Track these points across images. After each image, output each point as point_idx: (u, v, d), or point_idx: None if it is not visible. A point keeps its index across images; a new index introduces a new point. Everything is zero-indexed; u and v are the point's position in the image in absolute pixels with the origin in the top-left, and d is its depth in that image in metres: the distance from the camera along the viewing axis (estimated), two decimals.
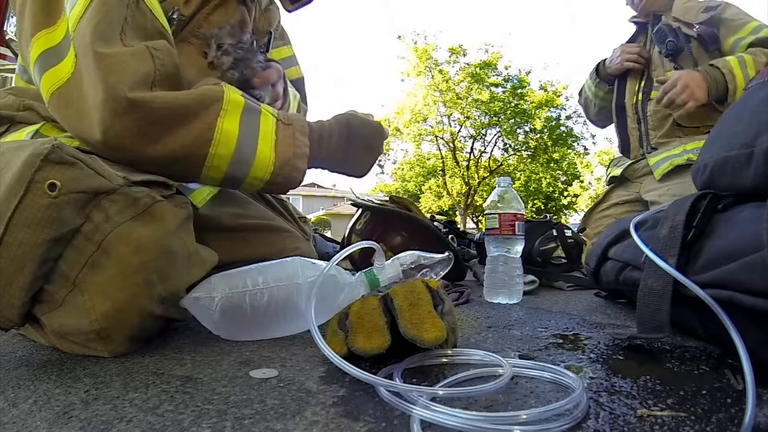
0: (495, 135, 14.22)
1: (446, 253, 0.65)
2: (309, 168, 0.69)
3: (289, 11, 0.93)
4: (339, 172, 0.79)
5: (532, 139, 14.00)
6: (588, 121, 1.74)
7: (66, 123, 0.59)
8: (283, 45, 1.02)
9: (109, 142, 0.55)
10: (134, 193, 0.52)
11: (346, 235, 1.09)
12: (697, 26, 1.34)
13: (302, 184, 0.68)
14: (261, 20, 0.88)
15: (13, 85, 0.75)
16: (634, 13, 1.55)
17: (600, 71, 1.57)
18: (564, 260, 1.09)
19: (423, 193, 15.00)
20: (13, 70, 1.62)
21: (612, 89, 1.55)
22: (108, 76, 0.54)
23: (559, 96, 13.70)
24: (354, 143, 0.75)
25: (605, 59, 1.56)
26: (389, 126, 14.22)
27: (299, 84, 1.05)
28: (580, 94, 1.74)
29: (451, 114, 13.73)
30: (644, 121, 1.44)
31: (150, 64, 0.58)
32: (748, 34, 1.30)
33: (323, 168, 0.77)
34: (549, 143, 13.83)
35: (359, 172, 0.79)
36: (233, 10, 0.78)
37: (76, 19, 0.57)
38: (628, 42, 1.56)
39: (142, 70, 0.57)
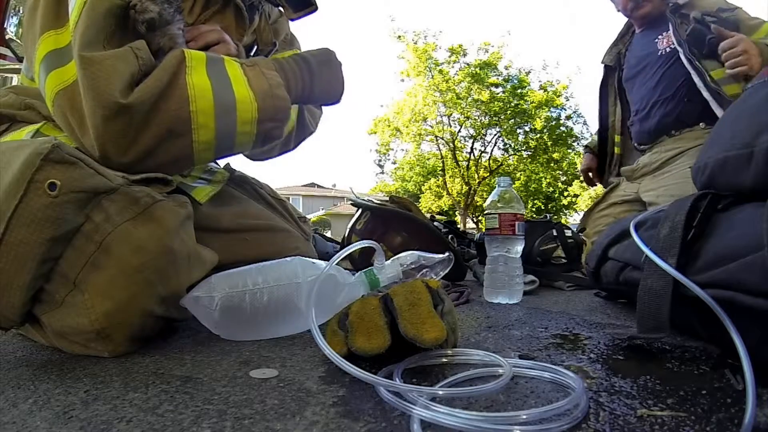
0: (495, 135, 14.19)
1: (446, 253, 0.65)
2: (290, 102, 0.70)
3: (292, 20, 0.95)
4: (316, 101, 0.80)
5: (532, 139, 13.96)
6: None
7: (67, 126, 0.58)
8: (289, 49, 1.03)
9: (101, 146, 0.55)
10: (134, 193, 0.52)
11: (346, 235, 1.09)
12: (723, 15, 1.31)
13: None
14: (266, 32, 0.90)
15: (15, 83, 0.75)
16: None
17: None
18: (564, 260, 1.09)
19: (423, 193, 14.97)
20: (12, 70, 1.62)
21: None
22: (96, 82, 0.54)
23: (559, 96, 13.65)
24: (312, 64, 0.76)
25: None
26: (389, 126, 14.21)
27: None
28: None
29: (451, 114, 13.69)
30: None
31: (135, 64, 0.58)
32: (766, 35, 1.29)
33: (301, 101, 0.78)
34: (549, 143, 13.79)
35: (335, 92, 0.79)
36: (230, 18, 0.79)
37: (72, 26, 0.57)
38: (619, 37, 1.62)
39: (128, 72, 0.57)
